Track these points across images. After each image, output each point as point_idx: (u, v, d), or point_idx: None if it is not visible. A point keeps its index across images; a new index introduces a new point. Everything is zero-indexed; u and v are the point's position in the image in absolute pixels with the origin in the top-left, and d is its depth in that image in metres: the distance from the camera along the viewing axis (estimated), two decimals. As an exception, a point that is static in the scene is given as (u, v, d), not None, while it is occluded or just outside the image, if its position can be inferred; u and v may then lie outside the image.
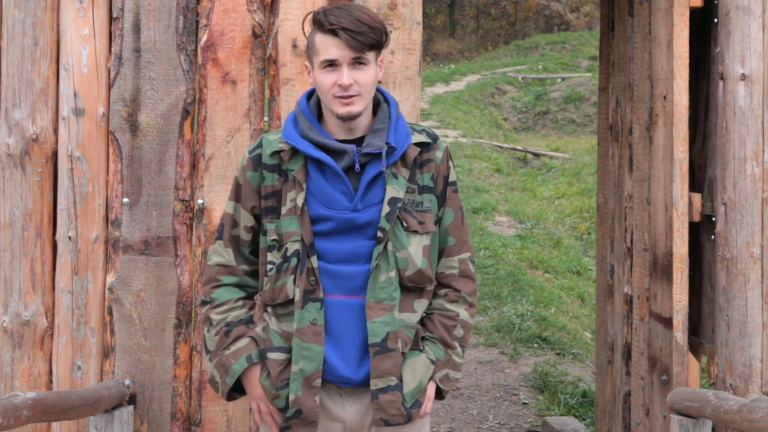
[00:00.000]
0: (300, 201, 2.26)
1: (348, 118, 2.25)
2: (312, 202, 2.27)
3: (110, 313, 3.01)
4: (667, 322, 3.29)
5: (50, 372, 3.06)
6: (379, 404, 2.24)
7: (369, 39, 2.21)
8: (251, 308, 2.38)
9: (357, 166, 2.25)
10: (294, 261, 2.27)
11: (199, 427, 3.00)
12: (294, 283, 2.26)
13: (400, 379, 2.27)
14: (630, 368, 3.83)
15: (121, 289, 3.00)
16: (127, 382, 2.98)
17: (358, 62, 2.23)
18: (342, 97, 2.22)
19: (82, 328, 3.02)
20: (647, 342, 3.52)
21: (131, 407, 2.95)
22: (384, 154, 2.25)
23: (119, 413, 2.87)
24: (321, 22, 2.22)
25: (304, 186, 2.27)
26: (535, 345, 6.75)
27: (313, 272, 2.25)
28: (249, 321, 2.35)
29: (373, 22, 2.22)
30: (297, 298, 2.25)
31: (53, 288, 3.06)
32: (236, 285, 2.38)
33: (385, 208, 2.25)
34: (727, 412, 2.58)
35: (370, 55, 2.25)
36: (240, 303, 2.37)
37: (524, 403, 5.70)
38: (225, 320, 2.33)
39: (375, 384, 2.24)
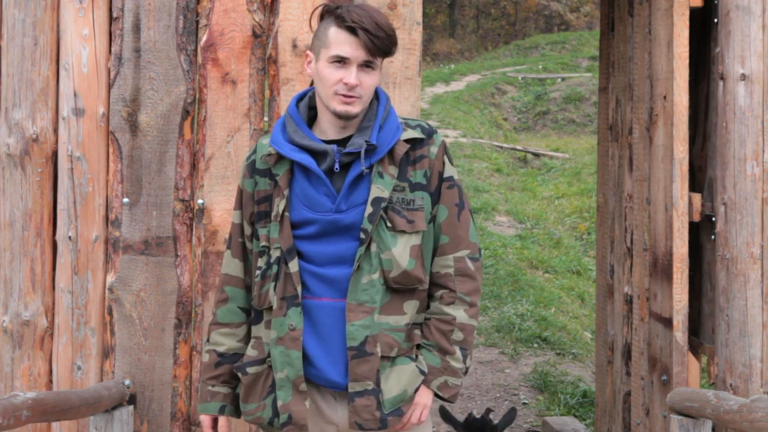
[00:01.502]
0: (281, 207, 2.26)
1: (344, 118, 2.24)
2: (297, 205, 2.26)
3: (110, 313, 3.01)
4: (667, 322, 3.29)
5: (50, 372, 3.06)
6: (354, 407, 2.22)
7: (384, 45, 2.21)
8: (248, 335, 2.41)
9: (337, 166, 2.23)
10: (275, 268, 2.27)
11: (199, 427, 3.00)
12: (274, 290, 2.26)
13: (378, 384, 2.23)
14: (630, 368, 3.83)
15: (121, 289, 3.00)
16: (127, 382, 2.98)
17: (367, 65, 2.22)
18: (344, 96, 2.21)
19: (82, 328, 3.02)
20: (647, 342, 3.52)
21: (131, 407, 2.95)
22: (362, 153, 2.21)
23: (119, 413, 2.87)
24: (342, 17, 2.19)
25: (286, 192, 2.26)
26: (535, 345, 6.75)
27: (291, 278, 2.24)
28: (240, 357, 2.40)
29: (389, 29, 2.22)
30: (276, 306, 2.25)
31: (53, 288, 3.06)
32: (240, 302, 2.40)
33: (368, 209, 2.22)
34: (727, 412, 2.58)
35: (378, 61, 2.24)
36: (239, 331, 2.40)
37: (524, 403, 5.70)
38: (219, 348, 2.40)
39: (352, 387, 2.22)
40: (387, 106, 2.32)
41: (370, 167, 2.24)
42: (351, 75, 2.20)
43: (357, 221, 2.23)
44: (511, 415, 3.72)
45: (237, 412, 2.41)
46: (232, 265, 2.41)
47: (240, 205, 2.39)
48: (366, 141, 2.23)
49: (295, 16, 3.00)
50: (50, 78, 3.05)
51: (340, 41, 2.20)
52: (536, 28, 28.10)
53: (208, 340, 2.42)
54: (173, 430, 3.00)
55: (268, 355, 2.29)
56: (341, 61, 2.20)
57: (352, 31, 2.18)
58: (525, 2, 28.34)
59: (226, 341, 2.39)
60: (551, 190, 11.93)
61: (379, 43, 2.19)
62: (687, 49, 3.28)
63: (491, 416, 3.82)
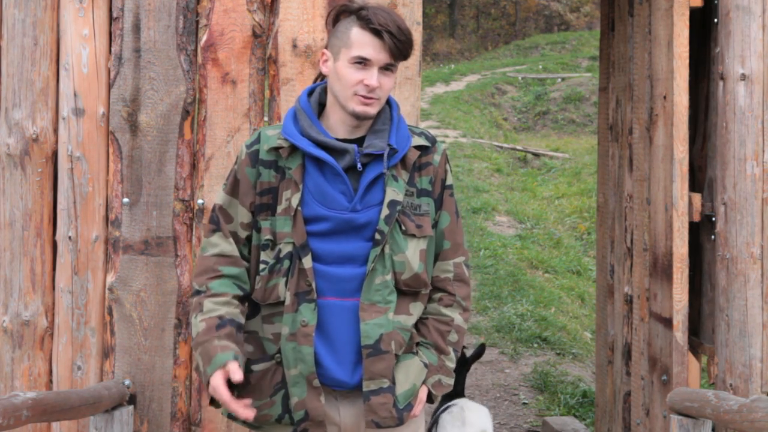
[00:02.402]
0: (295, 202, 2.24)
1: (362, 118, 2.25)
2: (310, 201, 2.25)
3: (110, 313, 3.01)
4: (667, 322, 3.29)
5: (50, 372, 3.06)
6: (370, 406, 2.23)
7: (405, 49, 2.23)
8: (243, 313, 2.29)
9: (359, 165, 2.24)
10: (287, 263, 2.24)
11: (199, 427, 3.00)
12: (285, 286, 2.25)
13: (393, 382, 2.25)
14: (630, 368, 3.83)
15: (121, 289, 3.00)
16: (127, 382, 2.98)
17: (387, 68, 2.23)
18: (364, 97, 2.22)
19: (82, 328, 3.02)
20: (647, 342, 3.52)
21: (131, 407, 2.95)
22: (386, 155, 2.24)
23: (119, 413, 2.87)
24: (368, 19, 2.20)
25: (300, 187, 2.25)
26: (535, 345, 6.76)
27: (305, 274, 2.23)
28: (240, 326, 2.26)
29: (410, 34, 2.24)
30: (288, 302, 2.24)
31: (53, 288, 3.06)
32: (236, 279, 2.29)
33: (385, 211, 2.23)
34: (727, 412, 2.58)
35: (398, 64, 2.26)
36: (236, 301, 2.27)
37: (524, 403, 5.70)
38: (218, 312, 2.22)
39: (367, 386, 2.23)
40: (399, 112, 2.35)
41: (387, 170, 2.26)
42: (372, 77, 2.21)
43: (371, 222, 2.24)
44: (480, 350, 3.97)
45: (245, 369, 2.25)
46: (225, 245, 2.30)
47: (233, 191, 2.32)
48: (389, 144, 2.25)
49: (295, 16, 3.00)
50: (50, 78, 3.05)
51: (363, 43, 2.21)
52: (536, 28, 28.09)
53: (200, 311, 2.24)
54: (173, 430, 3.00)
55: (278, 352, 2.28)
56: (363, 62, 2.21)
57: (377, 33, 2.20)
58: (525, 2, 28.34)
59: (222, 308, 2.24)
60: (551, 190, 11.93)
61: (402, 47, 2.22)
62: (687, 49, 3.29)
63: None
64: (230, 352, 2.17)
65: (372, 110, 2.24)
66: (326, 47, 2.30)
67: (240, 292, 2.30)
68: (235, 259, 2.30)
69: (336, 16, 2.30)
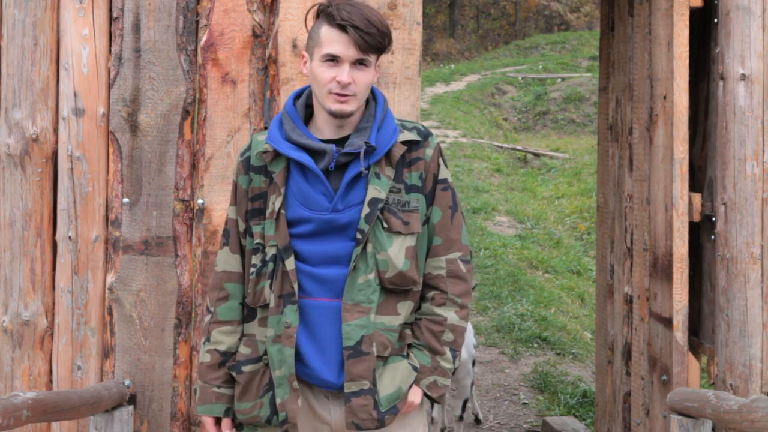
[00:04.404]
0: (277, 205, 2.26)
1: (339, 116, 2.24)
2: (293, 203, 2.26)
3: (110, 313, 3.01)
4: (667, 322, 3.29)
5: (50, 372, 3.06)
6: (350, 408, 2.22)
7: (376, 41, 2.19)
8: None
9: (332, 165, 2.22)
10: (271, 266, 2.26)
11: (199, 427, 3.00)
12: (270, 288, 2.26)
13: (374, 383, 2.23)
14: (630, 368, 3.83)
15: (121, 289, 3.00)
16: (127, 382, 2.98)
17: (359, 63, 2.21)
18: (338, 94, 2.20)
19: (82, 328, 3.03)
20: (647, 342, 3.52)
21: (131, 407, 2.95)
22: (362, 153, 2.22)
23: (119, 413, 2.88)
24: (332, 16, 2.18)
25: (282, 190, 2.26)
26: (535, 345, 6.76)
27: (288, 276, 2.24)
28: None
29: (381, 26, 2.20)
30: (273, 304, 2.25)
31: (53, 288, 3.06)
32: (240, 298, 2.37)
33: (365, 209, 2.22)
34: (727, 412, 2.58)
35: (372, 58, 2.22)
36: (240, 328, 2.37)
37: (524, 403, 5.70)
38: (221, 347, 2.35)
39: (348, 387, 2.22)
40: (384, 108, 2.32)
41: (368, 168, 2.24)
42: (343, 73, 2.18)
43: (353, 221, 2.23)
44: None
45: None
46: (231, 261, 2.37)
47: (234, 200, 2.38)
48: (365, 142, 2.23)
49: (295, 16, 2.99)
50: (50, 78, 3.05)
51: (331, 40, 2.19)
52: (536, 28, 28.11)
53: (208, 339, 2.38)
54: (173, 430, 3.00)
55: (264, 353, 2.29)
56: (333, 59, 2.19)
57: (342, 29, 2.17)
58: (525, 2, 28.35)
59: (227, 339, 2.35)
60: (551, 190, 11.94)
61: (371, 40, 2.18)
62: (687, 49, 3.29)
63: None
64: (223, 405, 2.35)
65: (348, 107, 2.21)
66: (305, 49, 2.30)
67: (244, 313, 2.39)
68: (238, 276, 2.38)
69: (315, 17, 2.28)
